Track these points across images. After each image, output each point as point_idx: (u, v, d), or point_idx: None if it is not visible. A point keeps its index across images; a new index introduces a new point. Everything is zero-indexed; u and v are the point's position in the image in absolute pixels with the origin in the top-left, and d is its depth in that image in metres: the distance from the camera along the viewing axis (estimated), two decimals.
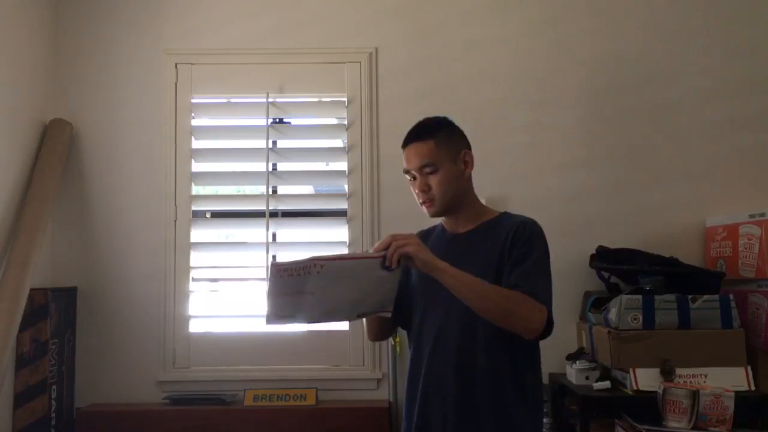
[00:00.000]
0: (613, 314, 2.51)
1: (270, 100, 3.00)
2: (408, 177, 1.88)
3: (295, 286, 1.62)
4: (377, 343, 2.91)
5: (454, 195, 1.83)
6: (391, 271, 1.64)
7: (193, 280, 2.99)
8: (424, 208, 1.85)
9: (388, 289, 1.69)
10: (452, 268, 1.67)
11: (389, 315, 1.73)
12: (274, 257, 2.98)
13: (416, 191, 1.85)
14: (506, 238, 1.78)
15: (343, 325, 2.95)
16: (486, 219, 1.87)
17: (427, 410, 1.80)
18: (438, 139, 1.83)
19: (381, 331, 1.96)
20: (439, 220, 1.96)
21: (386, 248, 1.64)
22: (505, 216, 1.88)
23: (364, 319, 1.89)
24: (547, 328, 1.71)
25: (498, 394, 1.75)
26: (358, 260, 1.70)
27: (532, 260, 1.74)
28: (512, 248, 1.76)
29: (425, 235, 1.97)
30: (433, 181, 1.81)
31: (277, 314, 1.65)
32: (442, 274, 1.66)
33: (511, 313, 1.67)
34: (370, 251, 1.69)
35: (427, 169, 1.81)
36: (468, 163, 1.86)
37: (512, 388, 1.76)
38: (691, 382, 2.42)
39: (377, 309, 1.72)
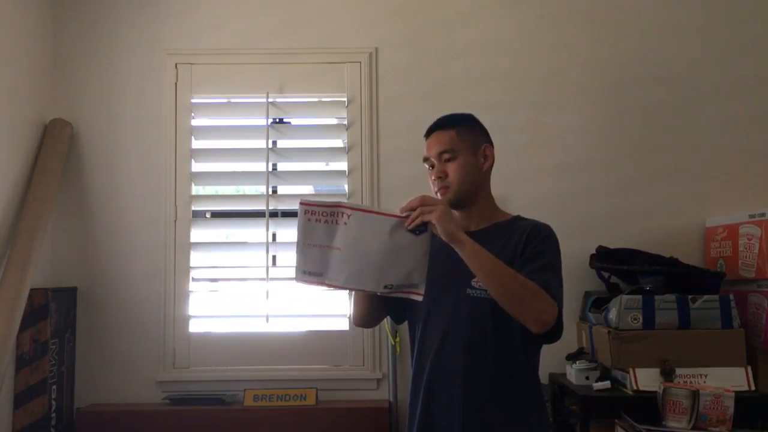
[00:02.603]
0: (613, 314, 2.51)
1: (270, 100, 3.00)
2: (427, 166, 1.88)
3: (323, 237, 1.67)
4: (377, 343, 2.91)
5: (470, 186, 1.82)
6: (416, 234, 1.64)
7: (193, 280, 2.99)
8: (438, 197, 1.83)
9: (417, 261, 1.67)
10: (474, 243, 1.66)
11: (420, 298, 1.68)
12: (274, 257, 2.98)
13: (432, 178, 1.85)
14: (520, 238, 1.77)
15: (343, 325, 2.95)
16: (500, 220, 1.87)
17: (431, 409, 1.79)
18: (460, 129, 1.84)
19: (368, 313, 1.88)
20: None
21: (413, 209, 1.65)
22: (519, 219, 1.87)
23: (351, 299, 1.87)
24: (556, 329, 1.69)
25: (505, 394, 1.74)
26: (383, 216, 1.67)
27: (546, 260, 1.73)
28: (525, 247, 1.75)
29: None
30: (450, 168, 1.82)
31: (305, 270, 1.68)
32: (462, 246, 1.65)
33: (524, 301, 1.64)
34: (398, 210, 1.68)
35: (446, 156, 1.82)
36: (488, 158, 1.86)
37: (519, 389, 1.76)
38: (691, 382, 2.42)
39: (405, 284, 1.67)
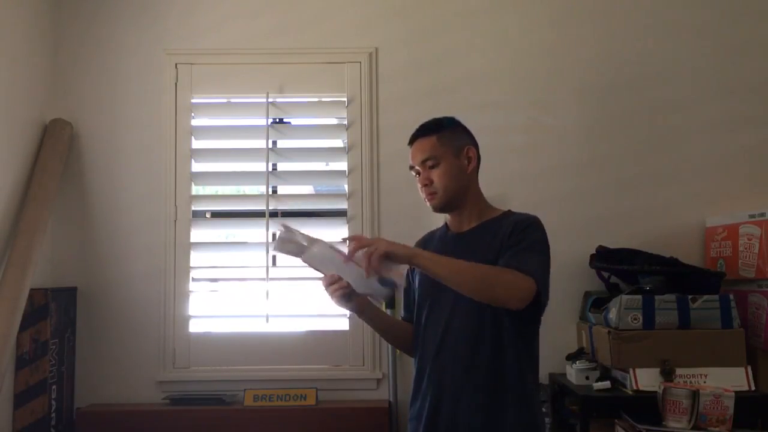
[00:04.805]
0: (613, 314, 2.51)
1: (270, 100, 3.00)
2: (413, 173, 1.90)
3: (294, 251, 1.77)
4: (377, 343, 2.91)
5: (456, 189, 1.84)
6: (391, 287, 1.68)
7: (193, 280, 2.98)
8: (427, 203, 1.87)
9: (386, 295, 1.73)
10: (426, 252, 1.70)
11: (380, 305, 1.76)
12: (274, 257, 2.98)
13: (420, 186, 1.87)
14: (506, 231, 1.79)
15: (343, 325, 2.95)
16: (489, 217, 1.88)
17: (434, 407, 1.80)
18: (441, 135, 1.86)
19: (392, 329, 2.00)
20: (442, 219, 1.97)
21: (359, 250, 1.65)
22: (509, 213, 1.88)
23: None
24: (538, 299, 1.69)
25: (503, 393, 1.76)
26: (352, 265, 1.68)
27: (524, 245, 1.74)
28: (509, 238, 1.77)
29: (429, 237, 2.00)
30: (435, 174, 1.84)
31: (282, 249, 1.78)
32: (419, 258, 1.67)
33: (489, 282, 1.65)
34: (346, 250, 1.70)
35: (429, 163, 1.84)
36: (472, 159, 1.87)
37: (518, 387, 1.77)
38: (691, 382, 2.42)
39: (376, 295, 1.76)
